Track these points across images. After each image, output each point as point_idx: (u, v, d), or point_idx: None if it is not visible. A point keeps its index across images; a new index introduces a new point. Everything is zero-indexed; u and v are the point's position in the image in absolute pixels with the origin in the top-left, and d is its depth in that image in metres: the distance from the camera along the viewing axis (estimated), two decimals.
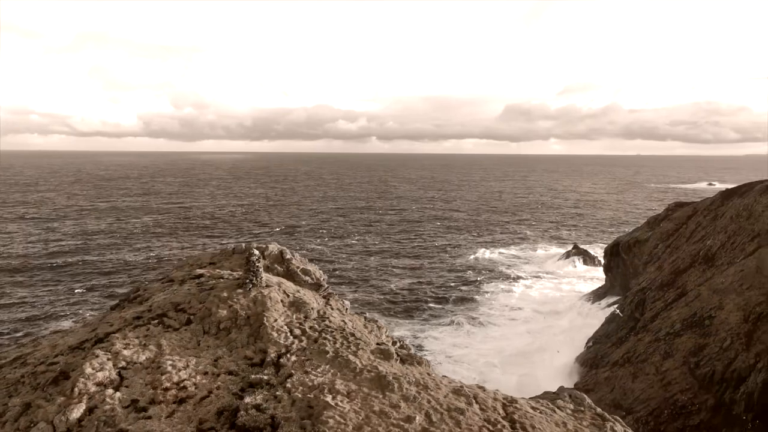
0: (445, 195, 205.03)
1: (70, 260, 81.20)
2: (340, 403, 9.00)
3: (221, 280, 14.68)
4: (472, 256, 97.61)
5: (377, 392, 9.60)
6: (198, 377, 10.23)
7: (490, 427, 8.65)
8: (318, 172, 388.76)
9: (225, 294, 12.50)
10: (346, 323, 12.47)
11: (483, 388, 10.31)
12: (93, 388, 9.79)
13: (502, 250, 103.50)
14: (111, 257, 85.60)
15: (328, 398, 9.16)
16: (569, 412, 9.61)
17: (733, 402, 34.51)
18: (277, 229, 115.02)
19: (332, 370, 10.24)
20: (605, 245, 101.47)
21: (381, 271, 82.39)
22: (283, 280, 14.02)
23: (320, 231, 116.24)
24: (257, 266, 13.36)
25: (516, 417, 9.08)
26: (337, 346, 11.32)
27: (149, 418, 9.17)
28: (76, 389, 9.73)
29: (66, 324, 53.06)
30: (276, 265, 18.03)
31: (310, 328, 12.04)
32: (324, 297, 13.79)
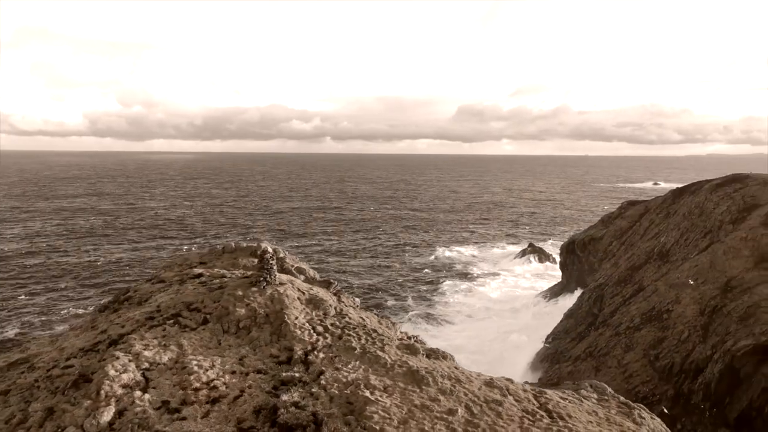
0: (402, 195, 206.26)
1: (13, 264, 77.90)
2: (380, 398, 9.07)
3: (225, 279, 14.46)
4: (430, 255, 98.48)
5: (413, 386, 9.72)
6: (227, 377, 10.09)
7: (530, 417, 8.90)
8: (273, 172, 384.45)
9: (240, 292, 12.34)
10: (364, 320, 12.51)
11: (511, 380, 10.55)
12: (119, 391, 9.52)
13: (459, 248, 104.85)
14: (58, 260, 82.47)
15: (367, 393, 9.21)
16: (594, 401, 9.96)
17: (692, 392, 36.11)
18: (233, 231, 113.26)
19: (363, 366, 10.29)
20: (560, 243, 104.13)
21: (340, 270, 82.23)
22: (294, 278, 13.92)
23: (277, 232, 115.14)
24: (271, 264, 13.23)
25: (550, 407, 9.36)
26: (363, 342, 11.37)
27: (184, 419, 8.99)
28: (102, 392, 9.44)
29: (11, 332, 50.93)
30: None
31: (332, 325, 12.04)
32: (335, 294, 13.78)
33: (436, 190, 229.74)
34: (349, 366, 10.29)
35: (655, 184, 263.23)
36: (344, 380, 9.73)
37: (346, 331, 11.68)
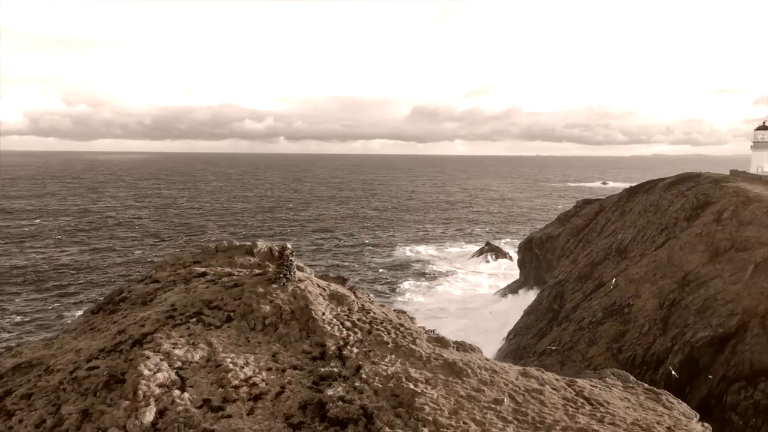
0: (359, 195, 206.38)
1: None
2: (426, 390, 9.16)
3: (233, 276, 14.24)
4: (389, 255, 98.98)
5: (454, 378, 9.85)
6: (264, 373, 9.97)
7: (572, 405, 9.18)
8: (228, 172, 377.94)
9: (261, 289, 12.19)
10: (387, 315, 12.57)
11: (542, 370, 10.83)
12: (157, 390, 9.28)
13: (417, 248, 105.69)
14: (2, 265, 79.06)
15: (411, 386, 9.28)
16: (621, 388, 10.35)
17: (654, 383, 37.53)
18: (188, 231, 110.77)
19: (399, 360, 10.35)
20: (515, 241, 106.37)
21: None
22: (309, 275, 13.85)
23: (234, 232, 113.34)
24: (291, 260, 13.13)
25: (586, 394, 9.68)
26: (393, 336, 11.43)
27: (229, 416, 8.85)
28: (139, 392, 9.18)
29: None
30: (267, 262, 17.69)
31: (359, 320, 12.04)
32: (350, 290, 13.77)
33: (393, 190, 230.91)
34: (386, 360, 10.36)
35: (604, 183, 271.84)
36: (384, 374, 9.78)
37: (375, 326, 11.73)
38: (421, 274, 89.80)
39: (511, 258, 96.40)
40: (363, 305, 12.70)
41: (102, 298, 17.95)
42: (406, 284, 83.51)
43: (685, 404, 9.70)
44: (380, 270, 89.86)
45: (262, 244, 18.00)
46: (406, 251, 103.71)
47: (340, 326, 11.44)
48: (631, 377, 10.82)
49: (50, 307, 62.22)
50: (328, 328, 11.19)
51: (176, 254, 19.17)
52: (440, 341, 11.69)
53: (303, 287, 12.45)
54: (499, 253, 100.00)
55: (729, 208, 52.31)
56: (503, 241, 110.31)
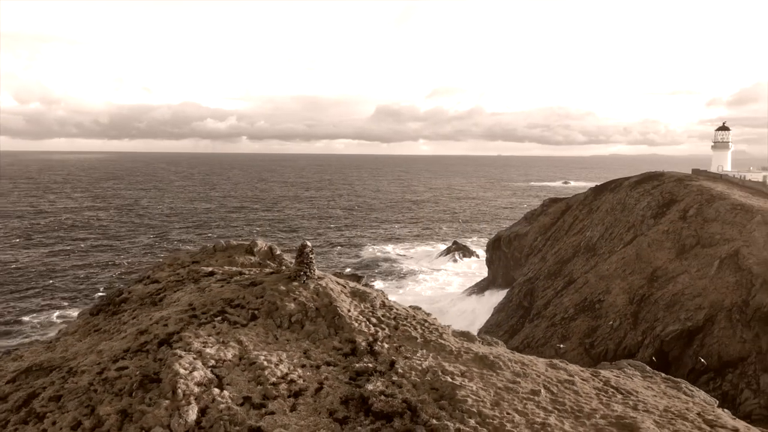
0: (325, 194, 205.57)
1: None
2: (465, 383, 9.33)
3: (245, 275, 14.16)
4: (356, 255, 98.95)
5: (488, 371, 10.05)
6: (299, 370, 9.97)
7: (605, 393, 9.51)
8: (190, 172, 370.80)
9: (282, 287, 12.16)
10: (408, 311, 12.71)
11: (566, 362, 11.14)
12: (196, 389, 9.18)
13: (385, 247, 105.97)
14: None
15: (448, 379, 9.44)
16: (640, 378, 10.74)
17: None
18: (151, 234, 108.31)
19: (431, 354, 10.50)
20: (482, 240, 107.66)
21: None
22: (326, 273, 13.84)
23: (198, 233, 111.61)
24: (311, 258, 13.12)
25: (613, 384, 10.02)
26: (420, 331, 11.57)
27: (273, 413, 8.83)
28: (179, 391, 9.07)
29: None
30: (268, 261, 17.64)
31: (383, 316, 12.14)
32: (365, 287, 13.82)
33: (359, 190, 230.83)
34: (418, 354, 10.50)
35: (565, 182, 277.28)
36: (420, 368, 9.93)
37: (400, 322, 11.85)
38: (389, 274, 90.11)
39: (478, 256, 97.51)
40: (383, 302, 12.83)
41: (99, 299, 17.57)
42: (374, 284, 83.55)
43: (703, 392, 10.17)
44: (348, 270, 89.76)
45: (261, 243, 17.92)
46: (373, 251, 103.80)
47: (367, 322, 11.54)
48: (648, 367, 11.27)
49: (8, 312, 60.23)
50: (356, 324, 11.27)
51: (173, 254, 18.90)
52: (466, 335, 11.92)
53: (324, 284, 12.50)
54: (466, 252, 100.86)
55: (694, 206, 54.08)
56: (470, 240, 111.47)
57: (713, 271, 45.80)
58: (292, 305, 11.57)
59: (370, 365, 10.10)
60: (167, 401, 8.92)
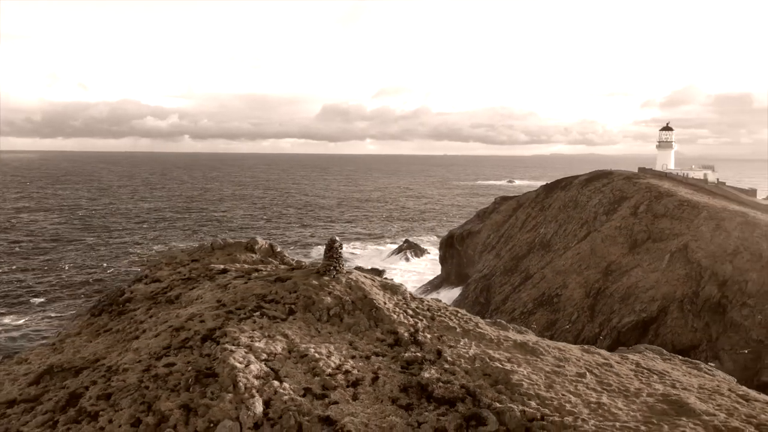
0: (272, 194, 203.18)
1: None
2: (515, 368, 9.69)
3: (263, 272, 14.10)
4: (306, 255, 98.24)
5: (532, 356, 10.46)
6: (351, 361, 10.08)
7: (642, 374, 10.11)
8: (130, 172, 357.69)
9: (315, 282, 12.21)
10: (437, 303, 13.00)
11: (592, 347, 11.71)
12: (256, 382, 9.16)
13: None
14: None
15: (497, 365, 9.79)
16: (661, 360, 11.44)
17: None
18: (91, 238, 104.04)
19: (473, 342, 10.83)
20: (432, 238, 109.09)
21: None
22: (349, 269, 13.93)
23: (143, 234, 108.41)
24: (340, 253, 13.20)
25: (644, 365, 10.65)
26: (457, 321, 11.87)
27: (336, 402, 8.93)
28: (240, 384, 9.04)
29: None
30: (269, 258, 17.55)
31: (417, 308, 12.37)
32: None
33: (308, 189, 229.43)
34: (461, 343, 10.82)
35: (510, 181, 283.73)
36: (467, 356, 10.25)
37: (435, 313, 12.13)
38: None
39: (429, 254, 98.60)
40: (411, 294, 13.12)
41: (98, 300, 17.07)
42: None
43: (719, 371, 10.95)
44: None
45: (261, 241, 17.85)
46: (323, 250, 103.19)
47: (404, 314, 11.79)
48: (664, 351, 12.01)
49: None
50: (395, 316, 11.50)
51: (170, 253, 18.51)
52: (498, 324, 12.35)
53: (355, 278, 12.67)
54: (418, 251, 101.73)
55: (644, 203, 56.57)
56: (421, 238, 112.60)
57: (664, 264, 48.10)
58: (329, 299, 11.70)
59: (419, 354, 10.37)
60: (230, 395, 8.92)
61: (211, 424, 8.43)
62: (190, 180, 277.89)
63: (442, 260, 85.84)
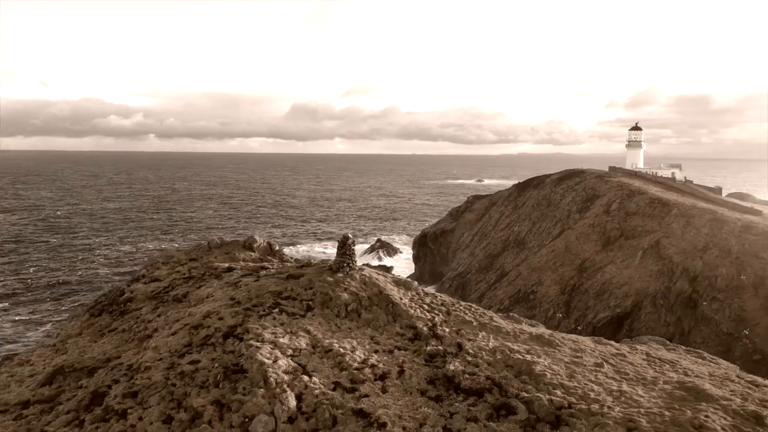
0: (242, 193, 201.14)
1: None
2: (536, 359, 9.96)
3: (271, 270, 14.10)
4: None
5: (549, 348, 10.74)
6: (375, 355, 10.19)
7: (654, 364, 10.50)
8: (95, 171, 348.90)
9: (330, 278, 12.29)
10: (449, 298, 13.19)
11: (602, 339, 12.10)
12: (285, 377, 9.20)
13: (305, 247, 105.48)
14: None
15: (518, 356, 10.04)
16: (665, 350, 11.88)
17: None
18: (55, 240, 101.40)
19: (491, 335, 11.06)
20: (404, 237, 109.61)
21: None
22: (361, 266, 14.02)
23: (108, 235, 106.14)
24: (353, 250, 13.28)
25: (654, 355, 11.06)
26: (472, 316, 12.08)
27: (366, 396, 9.05)
28: (271, 379, 9.06)
29: None
30: (268, 257, 17.57)
31: (431, 303, 12.54)
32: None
33: (278, 189, 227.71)
34: (480, 336, 11.05)
35: (479, 180, 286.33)
36: (487, 348, 10.48)
37: (450, 308, 12.34)
38: None
39: (401, 253, 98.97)
40: (423, 290, 13.33)
41: (96, 301, 16.81)
42: None
43: (722, 360, 11.46)
44: None
45: (260, 240, 17.84)
46: (294, 250, 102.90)
47: (421, 309, 11.97)
48: (667, 341, 12.48)
49: None
50: (412, 311, 11.67)
51: (167, 252, 18.37)
52: (511, 318, 12.64)
53: (368, 275, 12.81)
54: (390, 250, 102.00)
55: (616, 201, 57.83)
56: (393, 237, 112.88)
57: (637, 261, 49.34)
58: (346, 295, 11.82)
59: (440, 348, 10.57)
60: (262, 390, 8.97)
61: (246, 419, 8.49)
62: (157, 180, 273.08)
63: (416, 259, 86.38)
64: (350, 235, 13.43)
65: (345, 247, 13.27)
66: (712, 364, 10.78)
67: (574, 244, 55.88)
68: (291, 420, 8.56)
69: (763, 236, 45.06)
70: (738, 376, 9.95)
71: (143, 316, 13.43)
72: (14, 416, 10.09)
